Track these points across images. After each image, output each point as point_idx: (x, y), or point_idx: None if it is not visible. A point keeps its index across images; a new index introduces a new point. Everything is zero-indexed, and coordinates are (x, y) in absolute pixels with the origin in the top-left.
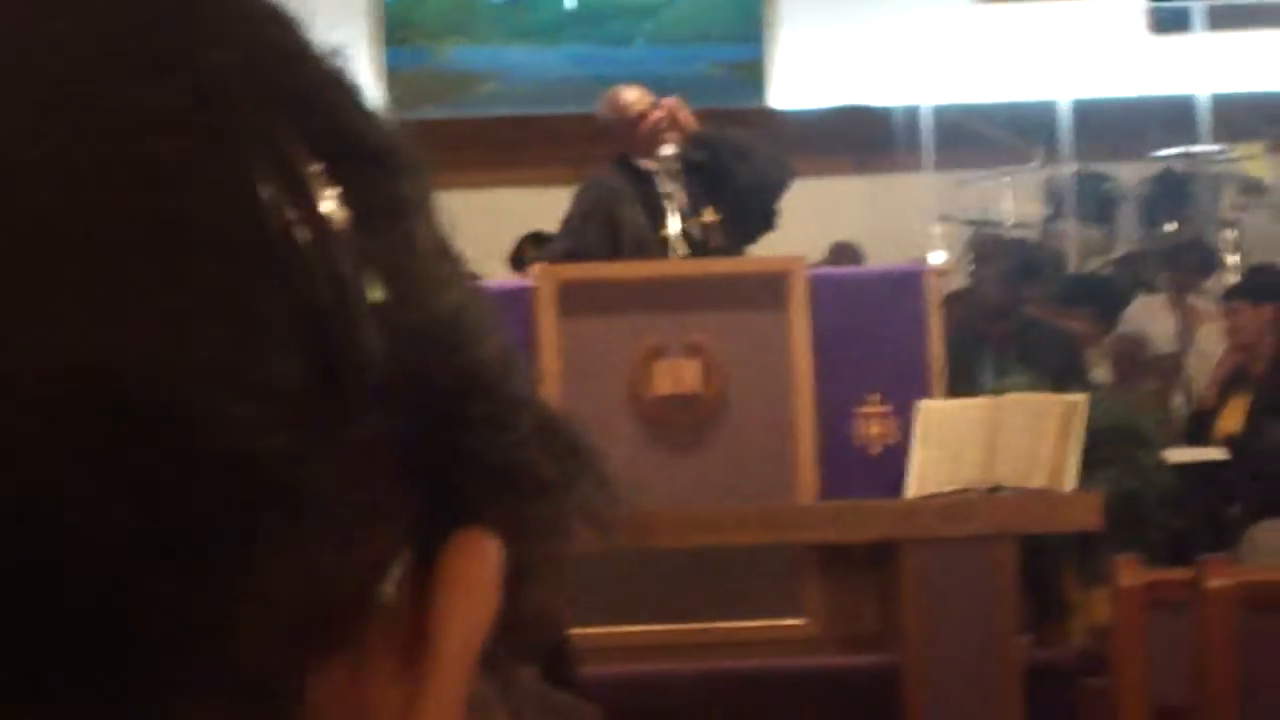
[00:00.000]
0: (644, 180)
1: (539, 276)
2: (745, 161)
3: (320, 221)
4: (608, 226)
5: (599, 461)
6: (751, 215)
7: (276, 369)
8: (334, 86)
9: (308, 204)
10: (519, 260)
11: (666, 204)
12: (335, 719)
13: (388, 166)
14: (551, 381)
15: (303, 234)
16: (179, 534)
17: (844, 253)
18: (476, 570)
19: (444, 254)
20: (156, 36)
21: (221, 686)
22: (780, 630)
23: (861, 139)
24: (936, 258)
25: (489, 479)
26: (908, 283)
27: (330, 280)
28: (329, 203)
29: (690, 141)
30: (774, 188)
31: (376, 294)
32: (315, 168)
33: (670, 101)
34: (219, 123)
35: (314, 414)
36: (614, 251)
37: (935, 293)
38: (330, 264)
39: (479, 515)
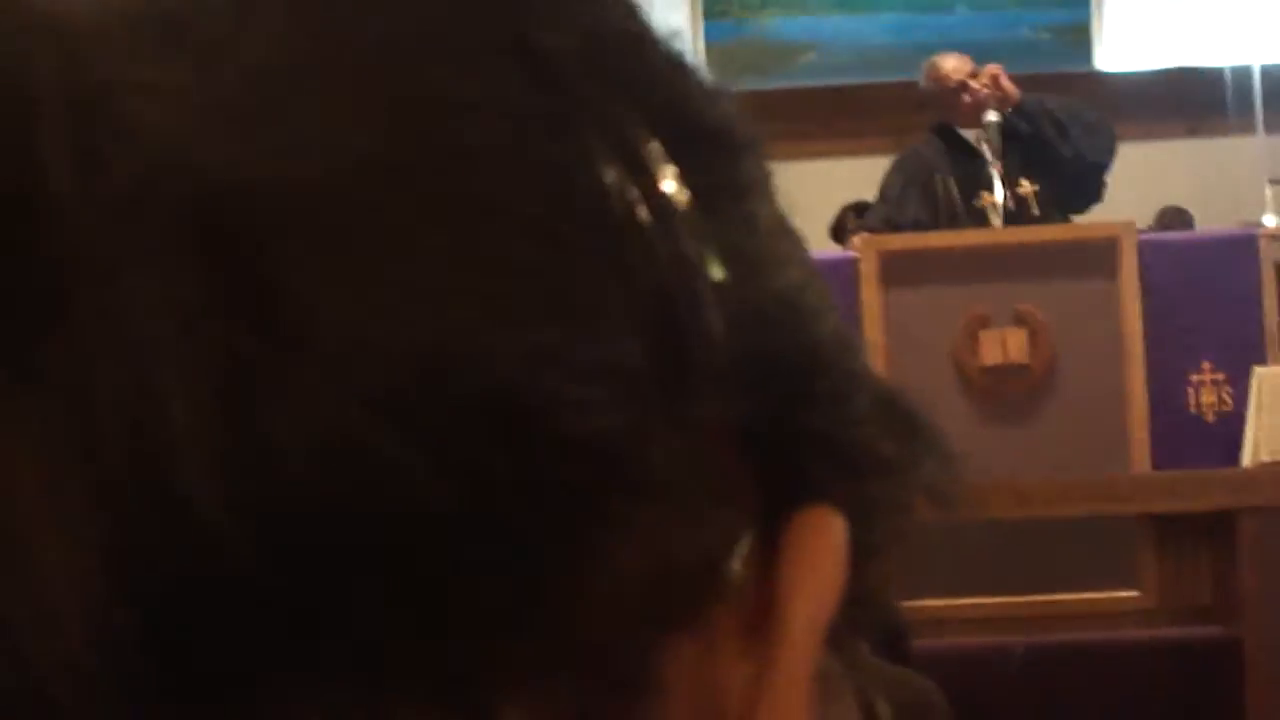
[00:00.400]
0: (962, 150)
1: (861, 247)
2: (1065, 135)
3: (662, 202)
4: (925, 196)
5: (940, 438)
6: (1072, 189)
7: (617, 350)
8: (673, 68)
9: (649, 184)
10: (840, 231)
11: (986, 173)
12: (684, 697)
13: (728, 146)
14: (876, 353)
15: (644, 214)
16: (521, 518)
17: (1173, 217)
18: (823, 546)
19: (783, 232)
20: (486, 22)
21: (569, 668)
22: (1114, 602)
23: (1190, 101)
24: (1269, 221)
25: (832, 457)
26: (1241, 247)
27: (673, 260)
28: (670, 183)
29: (1013, 111)
30: (1096, 165)
31: (718, 274)
32: (656, 149)
33: (991, 69)
34: (555, 106)
35: (657, 394)
36: (931, 221)
37: (1269, 257)
38: (672, 244)
39: (823, 494)
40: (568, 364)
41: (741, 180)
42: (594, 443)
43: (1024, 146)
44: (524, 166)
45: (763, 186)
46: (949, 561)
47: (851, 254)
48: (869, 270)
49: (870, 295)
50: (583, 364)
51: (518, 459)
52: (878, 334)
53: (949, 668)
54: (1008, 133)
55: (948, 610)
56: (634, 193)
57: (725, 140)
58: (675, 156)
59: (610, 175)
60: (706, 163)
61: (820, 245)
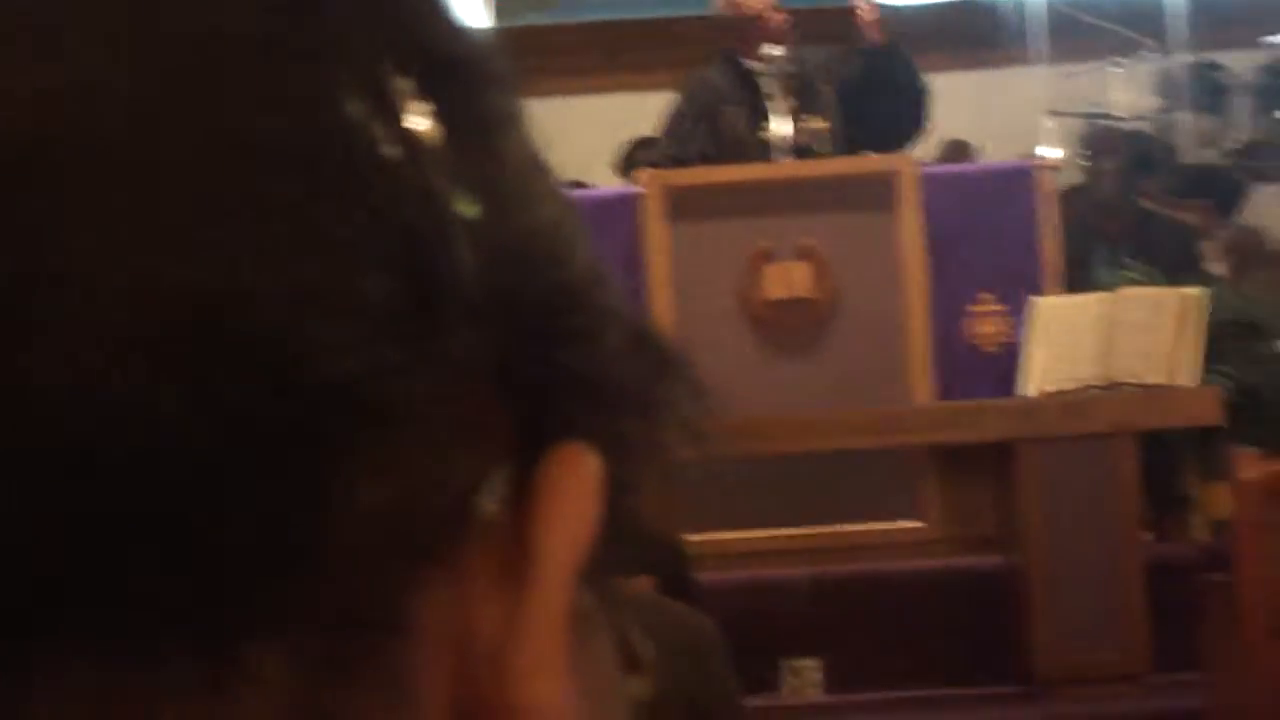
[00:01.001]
0: (748, 81)
1: (646, 182)
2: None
3: (410, 138)
4: (712, 127)
5: (693, 371)
6: (888, 122)
7: (367, 287)
8: (421, 1)
9: (396, 120)
10: (627, 165)
11: (769, 105)
12: (435, 637)
13: (478, 79)
14: (661, 287)
15: (392, 151)
16: (270, 453)
17: (956, 151)
18: (575, 482)
19: (536, 167)
20: None
21: (316, 607)
22: (897, 533)
23: (969, 34)
24: (1049, 153)
25: (585, 394)
26: (1019, 179)
27: (422, 198)
28: (419, 119)
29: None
30: (912, 102)
31: (469, 210)
32: (403, 83)
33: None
34: (302, 40)
35: (407, 331)
36: (716, 154)
37: (1048, 188)
38: (421, 181)
39: (577, 430)
40: (316, 301)
41: (492, 113)
42: (341, 379)
43: (843, 85)
44: (271, 102)
45: (514, 121)
46: (733, 495)
47: (638, 189)
48: (654, 205)
49: (656, 230)
50: (331, 301)
51: (263, 394)
52: (664, 268)
53: (735, 600)
54: (800, 68)
55: (733, 543)
56: (382, 128)
57: (475, 72)
58: (425, 91)
59: (358, 110)
60: (456, 95)
61: (608, 180)
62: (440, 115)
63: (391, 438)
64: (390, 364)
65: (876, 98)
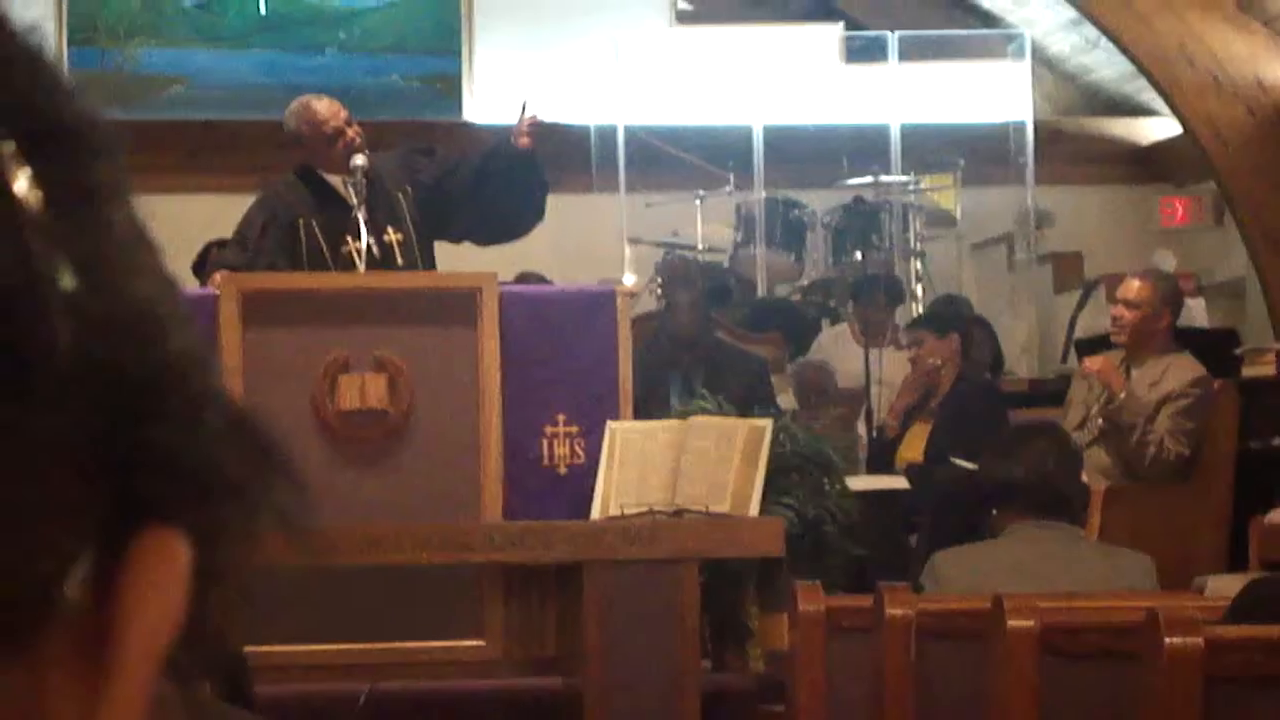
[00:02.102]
0: (328, 195)
1: (222, 285)
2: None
3: (10, 204)
4: (287, 239)
5: (291, 465)
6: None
7: None
8: (31, 63)
9: None
10: (202, 267)
11: (353, 219)
12: None
13: (85, 149)
14: (235, 392)
15: None
16: None
17: (529, 282)
18: (163, 571)
19: (141, 241)
20: None
21: None
22: (462, 651)
23: (555, 158)
24: (627, 280)
25: (178, 477)
26: (599, 303)
27: (18, 264)
28: (21, 183)
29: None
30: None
31: (67, 280)
32: (7, 146)
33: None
34: None
35: None
36: (291, 266)
37: (625, 314)
38: (19, 247)
39: (167, 514)
40: None
41: (98, 185)
42: None
43: (425, 195)
44: None
45: (121, 193)
46: (296, 606)
47: (212, 291)
48: (229, 309)
49: (230, 334)
50: None
51: None
52: (237, 374)
53: (293, 714)
54: (373, 179)
55: (293, 656)
56: None
57: (83, 142)
58: (29, 155)
59: None
60: (62, 164)
61: (184, 282)
62: (44, 179)
63: None
64: None
65: (496, 189)
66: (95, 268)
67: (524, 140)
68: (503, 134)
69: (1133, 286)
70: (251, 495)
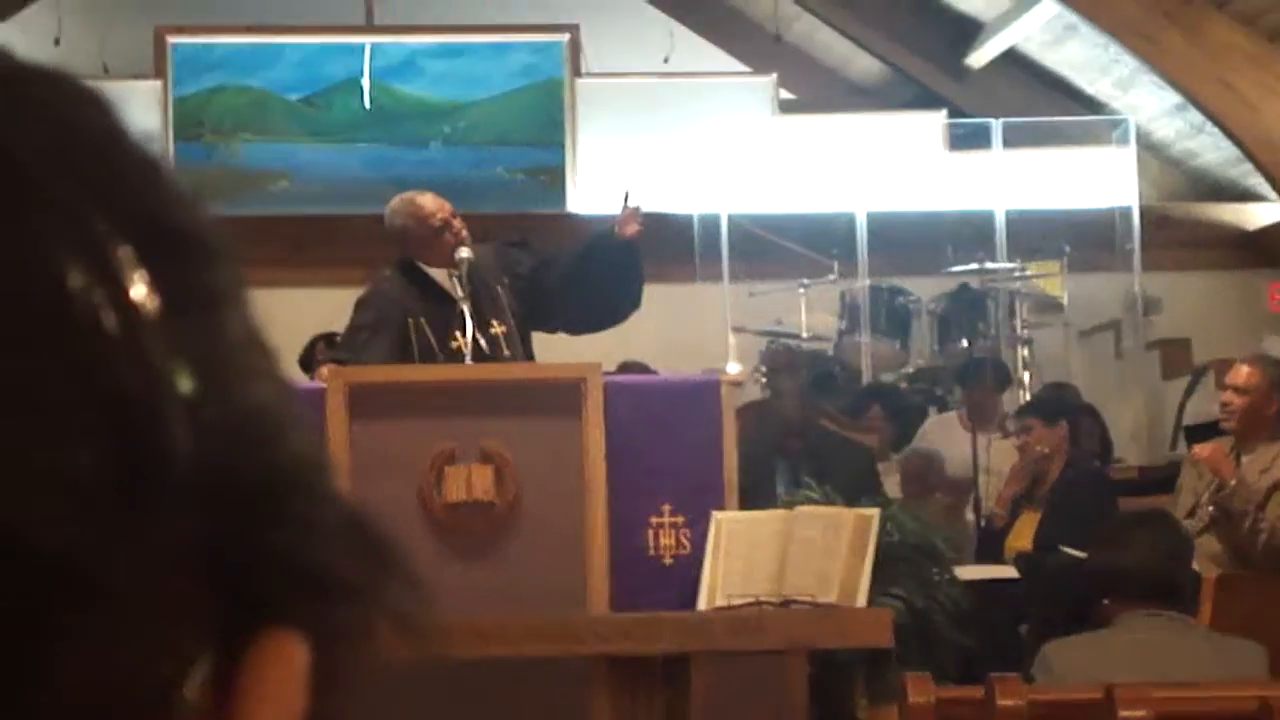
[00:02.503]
0: (432, 289)
1: (328, 379)
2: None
3: (129, 307)
4: (397, 337)
5: (406, 563)
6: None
7: (75, 461)
8: (149, 170)
9: (117, 289)
10: (308, 361)
11: (458, 313)
12: None
13: (201, 253)
14: (342, 484)
15: (110, 320)
16: None
17: (632, 371)
18: (282, 675)
19: (256, 345)
20: None
21: None
22: None
23: (658, 247)
24: (731, 368)
25: (296, 580)
26: (703, 393)
27: (138, 370)
28: (139, 288)
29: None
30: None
31: (185, 385)
32: (126, 251)
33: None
34: (18, 203)
35: (114, 509)
36: (403, 362)
37: (730, 403)
38: (138, 353)
39: (286, 616)
40: (21, 471)
41: (215, 289)
42: (43, 554)
43: (516, 286)
44: None
45: (236, 296)
46: (403, 699)
47: (319, 385)
48: (336, 402)
49: (337, 427)
50: (38, 473)
51: None
52: (344, 467)
53: None
54: (474, 272)
55: None
56: (100, 297)
57: (199, 247)
58: (146, 261)
59: (76, 278)
60: (179, 269)
61: (295, 375)
62: (160, 286)
63: (93, 616)
64: (93, 538)
65: (595, 279)
66: (212, 372)
67: (630, 229)
68: (603, 224)
69: (1242, 372)
70: (368, 595)
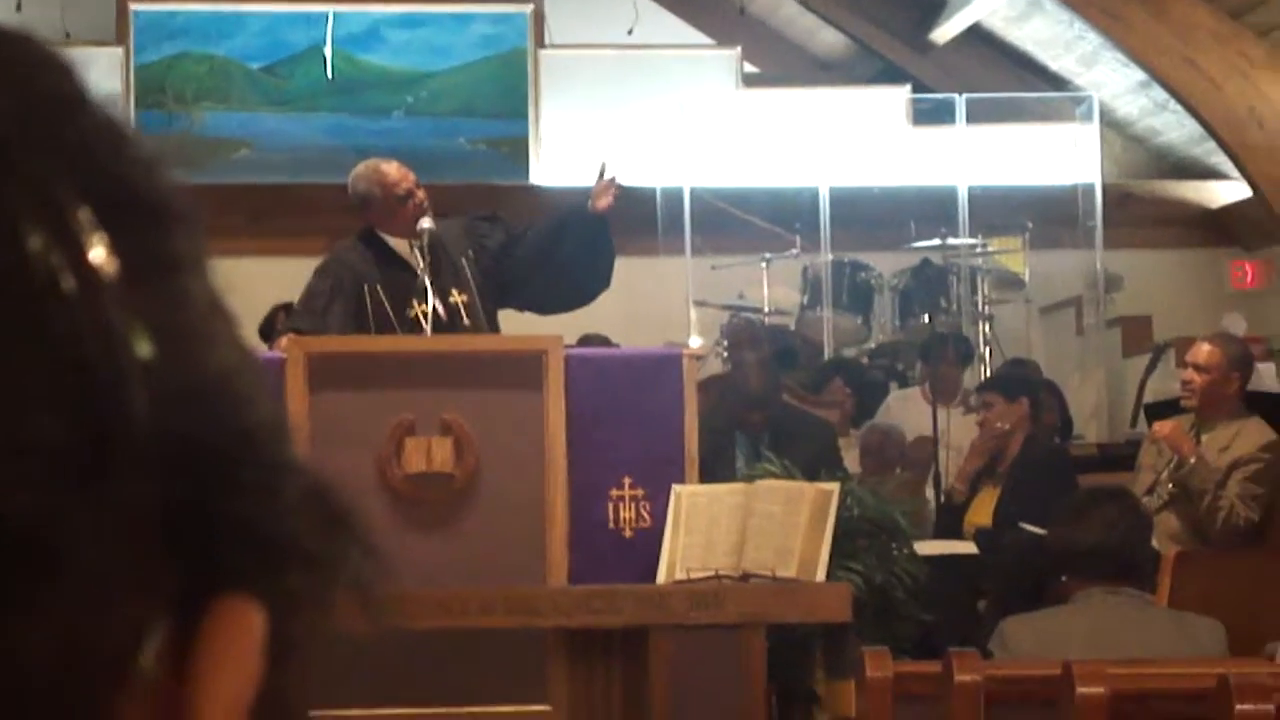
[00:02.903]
0: (392, 258)
1: (288, 348)
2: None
3: (89, 271)
4: (353, 304)
5: (366, 532)
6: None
7: (34, 424)
8: (111, 134)
9: (76, 253)
10: (269, 331)
11: (420, 283)
12: None
13: (163, 219)
14: (301, 454)
15: (69, 284)
16: None
17: (593, 345)
18: (239, 640)
19: (218, 311)
20: None
21: None
22: (527, 716)
23: (620, 220)
24: (693, 342)
25: (254, 547)
26: (665, 366)
27: (97, 334)
28: (98, 251)
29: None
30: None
31: (144, 350)
32: (86, 215)
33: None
34: None
35: (72, 472)
36: (359, 330)
37: (691, 377)
38: (97, 317)
39: (243, 583)
40: None
41: (176, 254)
42: (2, 520)
43: (485, 256)
44: None
45: (198, 262)
46: (359, 669)
47: (279, 355)
48: (295, 372)
49: (296, 396)
50: (1, 437)
51: None
52: (303, 437)
53: None
54: (436, 244)
55: None
56: (59, 260)
57: (161, 212)
58: (107, 224)
59: (35, 241)
60: (140, 233)
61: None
62: (120, 250)
63: (52, 582)
64: (52, 504)
65: (567, 256)
66: (172, 337)
67: (602, 203)
68: (575, 197)
69: (1202, 350)
70: (327, 563)
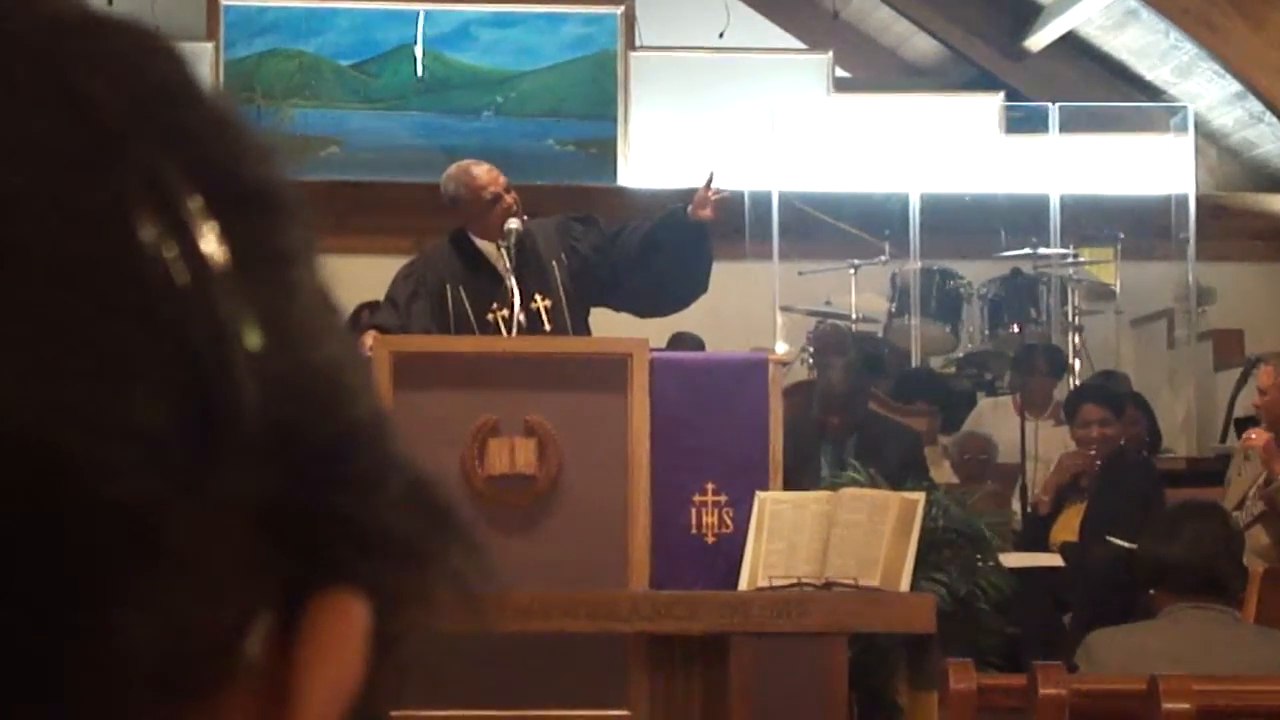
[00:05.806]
0: (477, 261)
1: (374, 346)
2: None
3: (200, 261)
4: (435, 304)
5: (468, 529)
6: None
7: (144, 412)
8: (221, 123)
9: (189, 242)
10: (353, 329)
11: (502, 287)
12: None
13: (273, 209)
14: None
15: (181, 273)
16: (34, 577)
17: (683, 344)
18: (342, 633)
19: (325, 304)
20: (25, 63)
21: None
22: None
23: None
24: (779, 348)
25: (358, 541)
26: (751, 371)
27: (207, 323)
28: (209, 240)
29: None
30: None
31: (253, 340)
32: (198, 205)
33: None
34: (95, 154)
35: (182, 461)
36: (440, 331)
37: (777, 382)
38: (208, 306)
39: (346, 576)
40: (92, 422)
41: (285, 245)
42: (110, 507)
43: (579, 263)
44: (58, 214)
45: (307, 255)
46: (441, 672)
47: (364, 353)
48: (380, 369)
49: (381, 394)
50: (108, 424)
51: (31, 516)
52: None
53: None
54: (525, 245)
55: None
56: (172, 250)
57: (272, 203)
58: (218, 214)
59: (149, 230)
60: (251, 224)
61: None
62: (230, 239)
63: (159, 569)
64: (161, 493)
65: (664, 260)
66: (281, 328)
67: (705, 212)
68: (667, 200)
69: (1265, 373)
70: (429, 559)
